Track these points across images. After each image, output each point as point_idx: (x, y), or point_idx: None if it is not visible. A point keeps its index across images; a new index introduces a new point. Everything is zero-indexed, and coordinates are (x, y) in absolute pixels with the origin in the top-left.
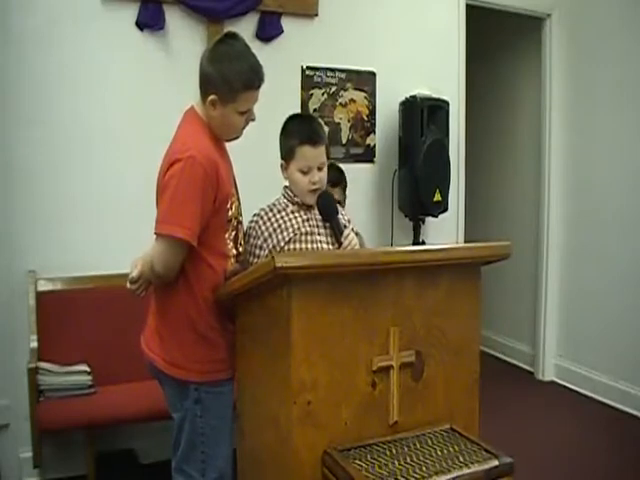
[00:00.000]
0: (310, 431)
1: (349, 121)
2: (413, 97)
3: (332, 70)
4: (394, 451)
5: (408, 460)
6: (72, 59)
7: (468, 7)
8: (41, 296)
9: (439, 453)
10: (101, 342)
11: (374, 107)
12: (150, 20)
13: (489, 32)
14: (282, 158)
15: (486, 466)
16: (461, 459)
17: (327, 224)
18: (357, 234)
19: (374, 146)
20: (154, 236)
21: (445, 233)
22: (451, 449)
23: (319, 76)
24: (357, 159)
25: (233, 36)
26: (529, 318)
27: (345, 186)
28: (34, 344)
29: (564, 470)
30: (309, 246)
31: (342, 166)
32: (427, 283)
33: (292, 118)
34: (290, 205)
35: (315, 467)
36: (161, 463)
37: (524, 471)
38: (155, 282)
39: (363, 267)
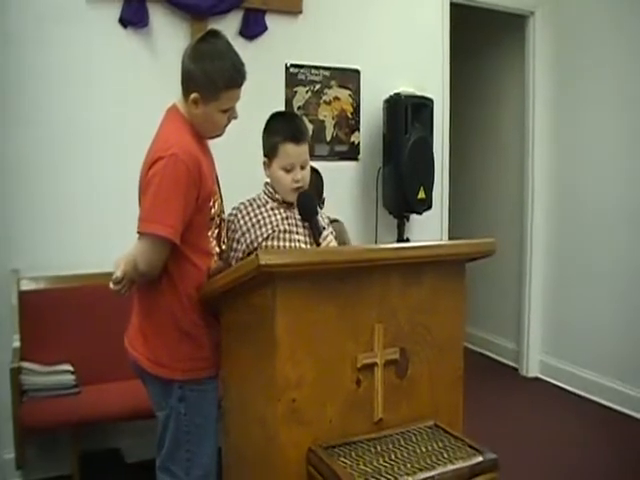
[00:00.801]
0: (295, 429)
1: (333, 119)
2: (397, 95)
3: (316, 68)
4: (379, 448)
5: (393, 457)
6: (56, 57)
7: (452, 5)
8: (24, 295)
9: (423, 450)
10: (85, 341)
11: (358, 105)
12: (134, 17)
13: (473, 30)
14: (265, 155)
15: (470, 462)
16: (445, 455)
17: (306, 224)
18: (337, 220)
19: (358, 144)
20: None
21: (429, 230)
22: (435, 445)
23: (303, 74)
24: (341, 157)
25: (215, 34)
26: (513, 315)
27: (322, 189)
28: (17, 344)
29: (548, 466)
30: (287, 244)
31: (326, 164)
32: (412, 280)
33: (275, 116)
34: (270, 201)
35: (300, 465)
36: (146, 462)
37: (508, 467)
38: (139, 280)
39: (348, 264)
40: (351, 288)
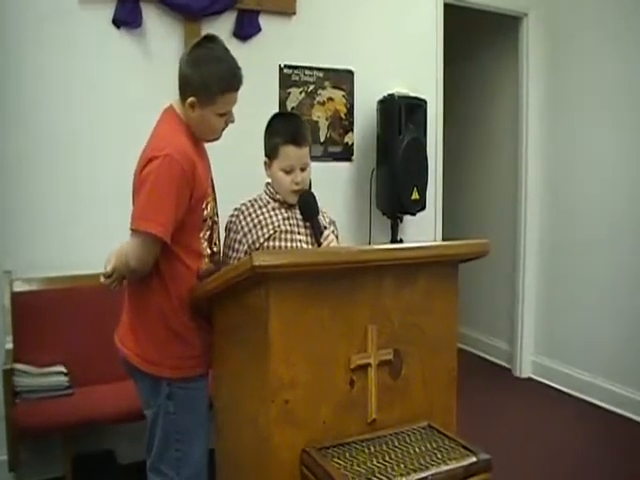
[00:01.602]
0: (289, 430)
1: (327, 120)
2: (391, 96)
3: (310, 69)
4: (372, 449)
5: (386, 458)
6: (49, 56)
7: (446, 6)
8: (17, 297)
9: (417, 450)
10: (78, 343)
11: (352, 106)
12: (127, 18)
13: (467, 31)
14: (266, 155)
15: (464, 463)
16: (439, 456)
17: (307, 224)
18: (332, 222)
19: (352, 144)
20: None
21: (423, 231)
22: (429, 446)
23: (297, 75)
24: (335, 157)
25: (212, 39)
26: (507, 315)
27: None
28: (9, 345)
29: (542, 466)
30: (288, 244)
31: (320, 165)
32: (405, 281)
33: (277, 116)
34: (272, 202)
35: (294, 466)
36: (140, 463)
37: (502, 467)
38: (129, 277)
39: (341, 265)
40: (345, 289)
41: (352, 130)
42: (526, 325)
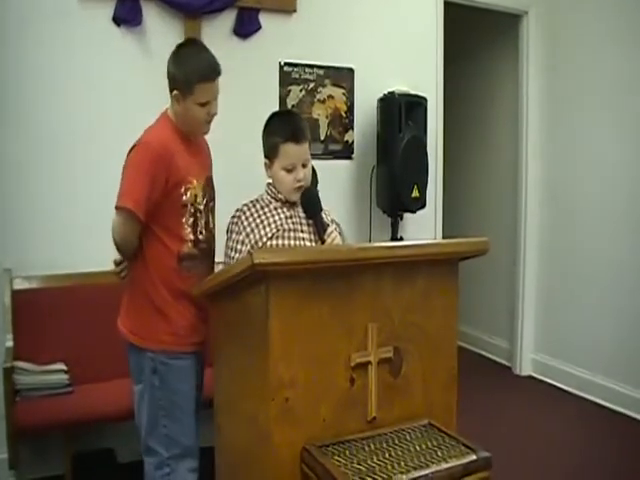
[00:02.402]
0: (288, 428)
1: (327, 117)
2: (391, 93)
3: (310, 66)
4: (372, 447)
5: (387, 455)
6: (48, 56)
7: (446, 4)
8: (17, 294)
9: (417, 448)
10: (78, 341)
11: (352, 103)
12: (127, 16)
13: (467, 29)
14: (265, 156)
15: (464, 460)
16: (439, 454)
17: (310, 221)
18: (336, 223)
19: (352, 142)
20: None
21: (423, 229)
22: (429, 444)
23: (297, 72)
24: (335, 155)
25: (193, 41)
26: (507, 313)
27: (316, 185)
28: (10, 343)
29: (542, 464)
30: (292, 242)
31: (320, 163)
32: (405, 279)
33: (274, 116)
34: (273, 201)
35: (294, 464)
36: (139, 462)
37: (502, 465)
38: (121, 256)
39: (341, 263)
40: (345, 287)
41: (352, 128)
42: (526, 323)
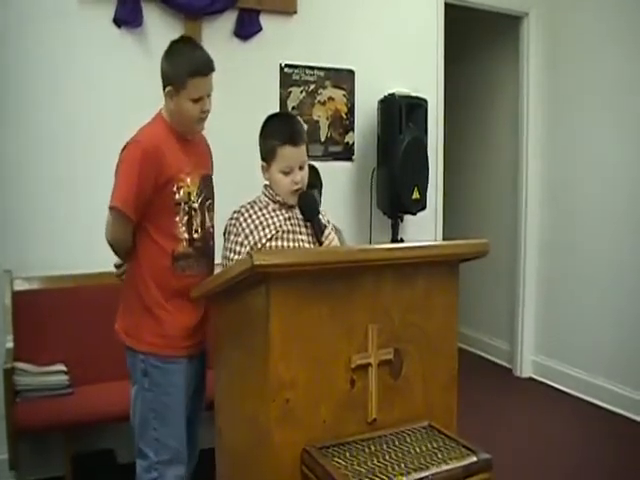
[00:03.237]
0: (289, 429)
1: (328, 119)
2: (392, 95)
3: (311, 68)
4: (373, 448)
5: (387, 457)
6: (49, 56)
7: (446, 5)
8: (17, 295)
9: (417, 450)
10: (78, 342)
11: (353, 105)
12: (128, 17)
13: (467, 30)
14: (262, 159)
15: (464, 462)
16: (439, 456)
17: (308, 223)
18: (337, 231)
19: (353, 144)
20: None
21: (423, 231)
22: (429, 446)
23: (298, 74)
24: (336, 157)
25: (187, 37)
26: (507, 315)
27: (321, 188)
28: (10, 344)
29: (542, 466)
30: (290, 244)
31: (321, 164)
32: (405, 281)
33: (271, 118)
34: (271, 203)
35: (294, 465)
36: None
37: (502, 467)
38: (115, 255)
39: (341, 265)
40: (345, 288)
41: (353, 130)
42: (527, 325)
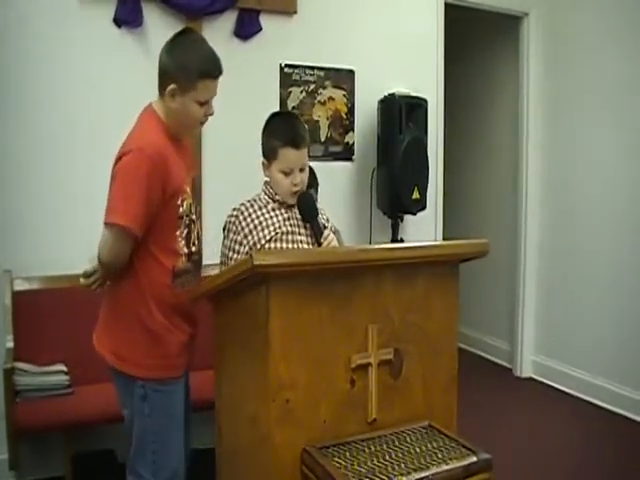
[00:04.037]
0: (289, 429)
1: (328, 119)
2: (392, 95)
3: (311, 68)
4: (373, 448)
5: (387, 457)
6: (49, 56)
7: (447, 6)
8: (17, 296)
9: (418, 450)
10: (78, 342)
11: (353, 105)
12: (128, 17)
13: (467, 31)
14: (264, 156)
15: (464, 462)
16: (440, 456)
17: (307, 224)
18: (336, 231)
19: (353, 144)
20: None
21: (423, 231)
22: (430, 446)
23: (298, 74)
24: (336, 157)
25: (190, 30)
26: (507, 315)
27: (317, 188)
28: (10, 344)
29: (542, 466)
30: (290, 245)
31: (321, 164)
32: (405, 281)
33: (275, 117)
34: (271, 202)
35: (294, 465)
36: None
37: (502, 467)
38: (104, 273)
39: (341, 265)
40: (345, 288)
41: (353, 130)
42: (527, 325)
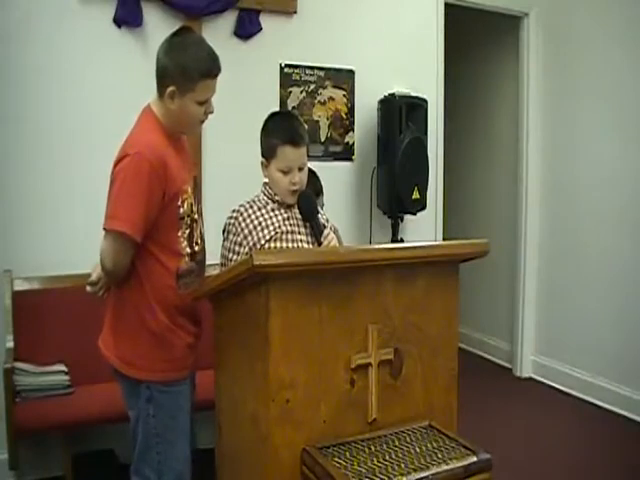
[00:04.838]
0: (289, 429)
1: (328, 119)
2: (392, 95)
3: (311, 68)
4: (373, 448)
5: (387, 457)
6: (49, 56)
7: (446, 6)
8: (17, 296)
9: (418, 450)
10: (78, 342)
11: (353, 105)
12: (128, 17)
13: (467, 31)
14: (263, 156)
15: (464, 462)
16: (440, 456)
17: (307, 223)
18: (335, 230)
19: (353, 144)
20: None
21: (423, 231)
22: (430, 446)
23: (298, 74)
24: (336, 157)
25: (187, 29)
26: (507, 315)
27: (322, 194)
28: (10, 344)
29: (542, 466)
30: (290, 245)
31: (321, 164)
32: (405, 281)
33: (274, 116)
34: (270, 202)
35: (294, 465)
36: None
37: (502, 467)
38: (109, 280)
39: (341, 265)
40: (345, 288)
41: (353, 130)
42: (527, 325)
